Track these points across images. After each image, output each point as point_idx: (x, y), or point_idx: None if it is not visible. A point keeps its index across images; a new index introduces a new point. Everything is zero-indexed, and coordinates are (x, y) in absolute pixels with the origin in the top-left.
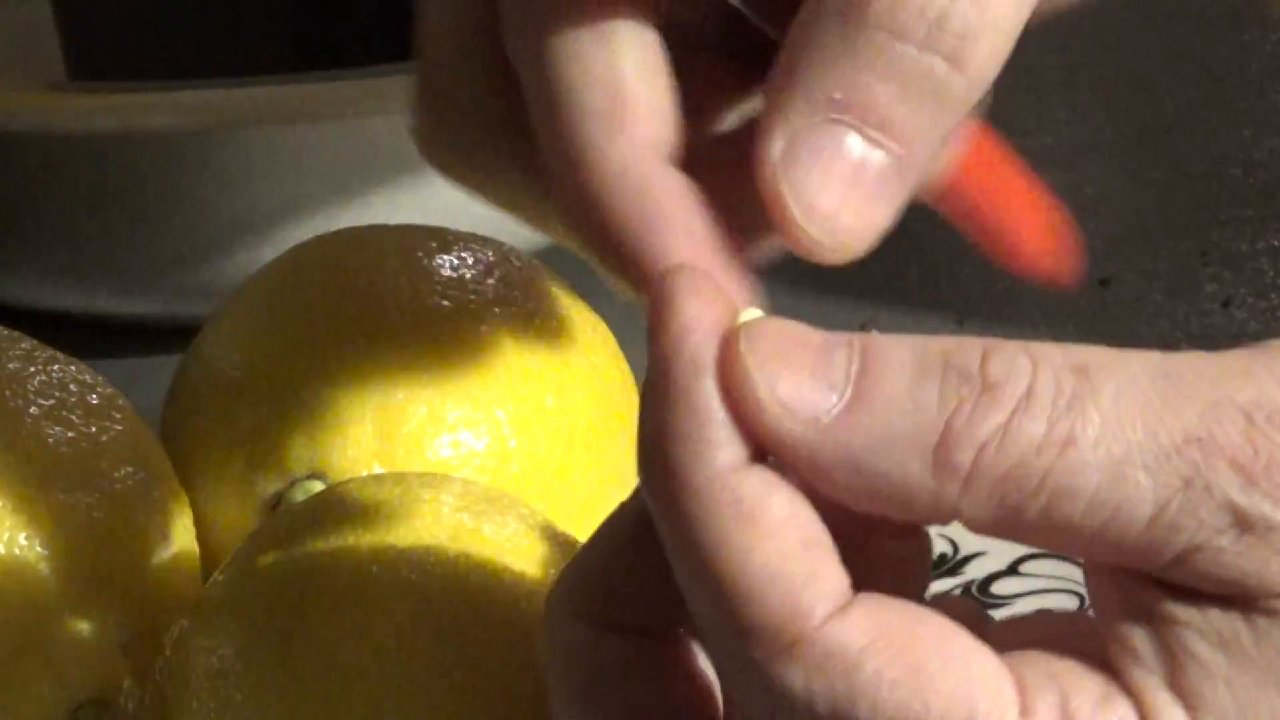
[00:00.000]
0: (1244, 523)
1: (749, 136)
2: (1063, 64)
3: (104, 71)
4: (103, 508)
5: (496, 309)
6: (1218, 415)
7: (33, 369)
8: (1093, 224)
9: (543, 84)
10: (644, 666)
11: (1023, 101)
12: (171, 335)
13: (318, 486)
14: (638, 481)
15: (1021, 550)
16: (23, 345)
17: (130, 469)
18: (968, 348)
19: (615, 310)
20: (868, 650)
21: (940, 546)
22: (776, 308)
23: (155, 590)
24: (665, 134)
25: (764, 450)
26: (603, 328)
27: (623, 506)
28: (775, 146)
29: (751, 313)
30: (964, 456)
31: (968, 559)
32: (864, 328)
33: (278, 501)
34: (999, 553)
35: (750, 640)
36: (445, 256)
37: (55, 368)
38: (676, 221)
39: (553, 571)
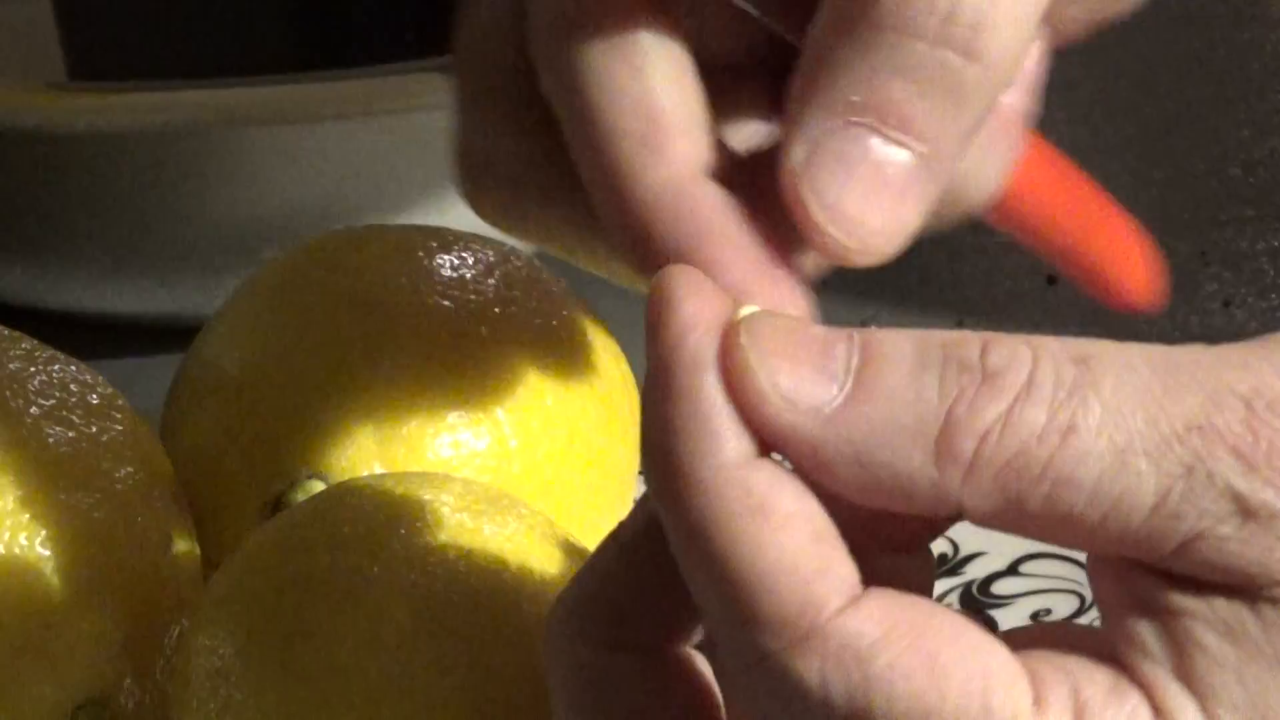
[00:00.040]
0: (1246, 510)
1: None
2: (1063, 64)
3: (104, 71)
4: (103, 508)
5: (497, 309)
6: (1218, 403)
7: (33, 369)
8: None
9: (576, 113)
10: (646, 683)
11: None
12: (171, 335)
13: (318, 487)
14: (637, 494)
15: (1022, 550)
16: (23, 345)
17: (130, 469)
18: (968, 339)
19: (615, 310)
20: (882, 641)
21: (940, 546)
22: None
23: (155, 590)
24: (701, 149)
25: (767, 446)
26: (603, 328)
27: (620, 525)
28: (797, 154)
29: (751, 308)
30: (966, 445)
31: (968, 559)
32: (864, 325)
33: (278, 502)
34: (999, 553)
35: (763, 633)
36: (445, 256)
37: (55, 368)
38: (720, 236)
39: (553, 571)
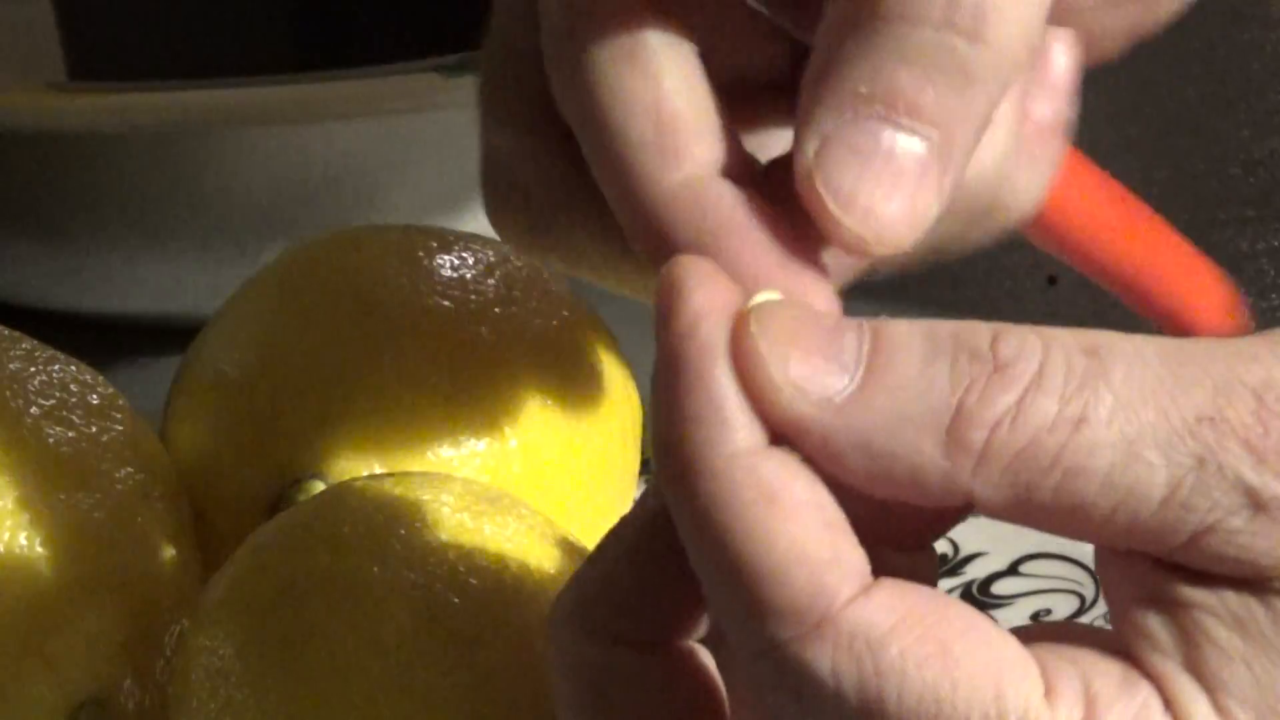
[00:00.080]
0: (1257, 503)
1: None
2: None
3: (104, 71)
4: (103, 508)
5: (497, 309)
6: (1228, 395)
7: (33, 369)
8: None
9: (590, 123)
10: (649, 679)
11: None
12: (171, 335)
13: (318, 487)
14: (637, 494)
15: (1022, 550)
16: (23, 345)
17: (130, 469)
18: (978, 329)
19: (616, 310)
20: (894, 630)
21: (941, 546)
22: None
23: (155, 590)
24: (716, 151)
25: (778, 436)
26: (603, 328)
27: (623, 520)
28: (809, 148)
29: (761, 296)
30: (977, 435)
31: (968, 559)
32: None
33: (278, 502)
34: (999, 553)
35: (774, 623)
36: (445, 256)
37: (56, 368)
38: (735, 232)
39: (553, 571)
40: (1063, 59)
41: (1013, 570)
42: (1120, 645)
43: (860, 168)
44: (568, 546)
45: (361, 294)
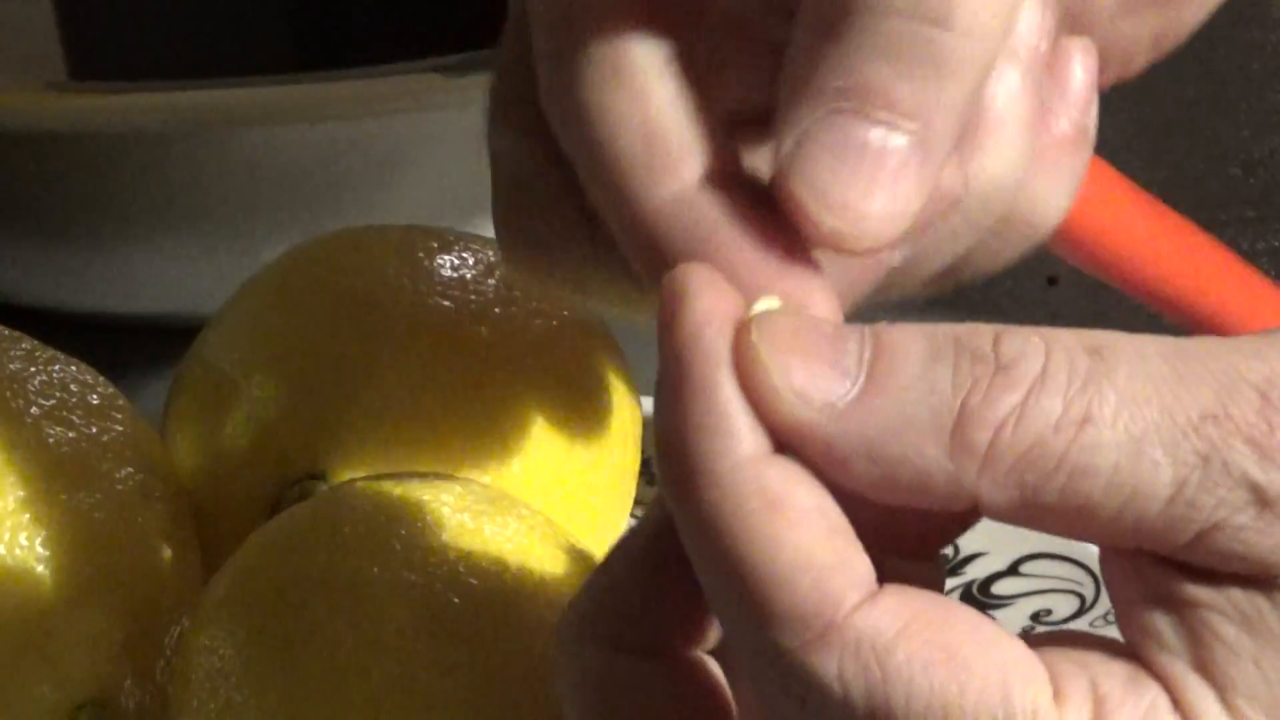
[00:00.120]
0: (1263, 499)
1: None
2: None
3: (104, 71)
4: (103, 508)
5: (497, 309)
6: (1232, 393)
7: (33, 369)
8: None
9: (581, 146)
10: (657, 687)
11: None
12: (171, 335)
13: (318, 487)
14: (637, 495)
15: (1022, 550)
16: (23, 345)
17: (131, 469)
18: (980, 330)
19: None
20: (901, 635)
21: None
22: None
23: (155, 590)
24: (707, 164)
25: (781, 444)
26: (603, 328)
27: (632, 530)
28: (785, 147)
29: (763, 304)
30: (981, 436)
31: (968, 559)
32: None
33: (278, 502)
34: (999, 553)
35: (779, 630)
36: (446, 257)
37: (56, 368)
38: (731, 241)
39: (553, 572)
40: (1080, 69)
41: (1013, 570)
42: (1127, 646)
43: (837, 164)
44: (568, 547)
45: (362, 294)
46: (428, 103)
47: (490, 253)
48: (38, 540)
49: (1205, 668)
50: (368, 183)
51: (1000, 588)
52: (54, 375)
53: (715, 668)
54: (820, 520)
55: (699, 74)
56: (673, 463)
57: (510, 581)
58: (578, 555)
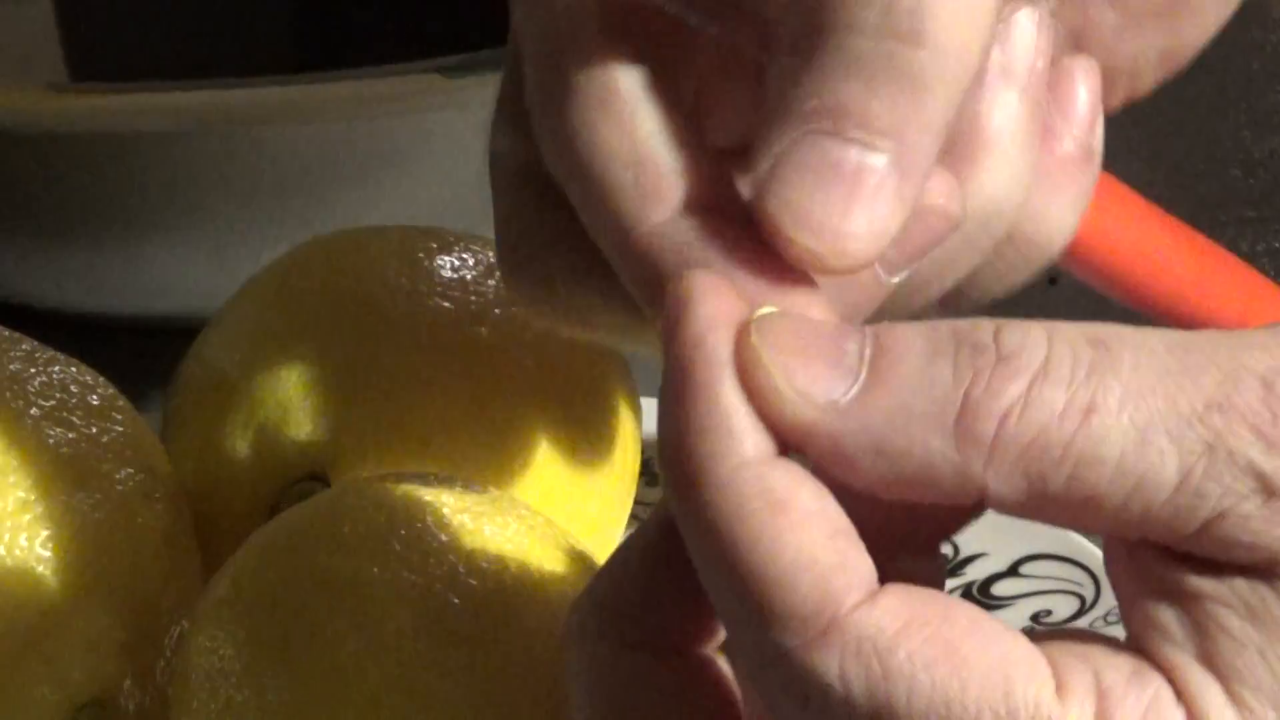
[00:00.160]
0: (1268, 488)
1: None
2: None
3: (104, 71)
4: (103, 508)
5: (497, 310)
6: (1236, 383)
7: (33, 370)
8: None
9: (572, 177)
10: (666, 684)
11: None
12: (171, 335)
13: (318, 487)
14: (638, 495)
15: (1022, 551)
16: (23, 346)
17: (131, 470)
18: (980, 324)
19: None
20: (901, 633)
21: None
22: None
23: (155, 591)
24: (697, 188)
25: (785, 445)
26: None
27: (640, 526)
28: (761, 169)
29: (767, 309)
30: (986, 427)
31: (968, 560)
32: None
33: (278, 502)
34: (999, 554)
35: (781, 630)
36: (446, 257)
37: (56, 369)
38: (726, 255)
39: (553, 572)
40: (1083, 89)
41: (1013, 571)
42: (1131, 640)
43: (812, 184)
44: (568, 547)
45: (361, 295)
46: (428, 103)
47: (490, 253)
48: (38, 541)
49: (1210, 660)
50: (368, 183)
51: (1000, 588)
52: (54, 376)
53: (724, 665)
54: (822, 521)
55: (691, 103)
56: (675, 465)
57: (510, 582)
58: (578, 556)
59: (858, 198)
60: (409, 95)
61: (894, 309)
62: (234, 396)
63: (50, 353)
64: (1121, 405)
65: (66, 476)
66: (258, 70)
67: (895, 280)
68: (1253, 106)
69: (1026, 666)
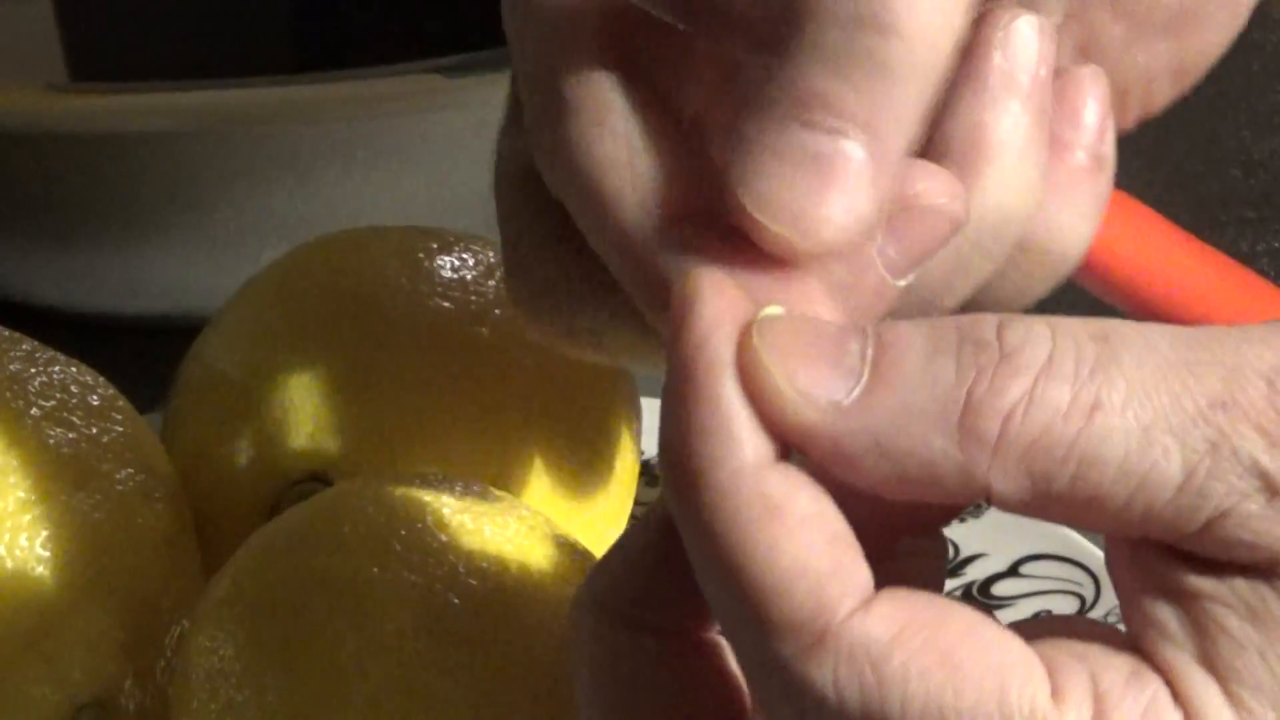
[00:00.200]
0: (1272, 487)
1: None
2: None
3: (104, 72)
4: (103, 509)
5: (498, 310)
6: (1240, 381)
7: (34, 370)
8: None
9: (574, 194)
10: (670, 666)
11: None
12: (171, 335)
13: (318, 487)
14: (638, 494)
15: (1022, 551)
16: (23, 346)
17: (131, 470)
18: (982, 319)
19: None
20: (895, 641)
21: None
22: None
23: (155, 591)
24: (696, 194)
25: (788, 448)
26: None
27: (648, 511)
28: (732, 158)
29: (769, 310)
30: (990, 425)
31: (969, 560)
32: None
33: (278, 502)
34: (999, 554)
35: (776, 637)
36: (446, 257)
37: (56, 369)
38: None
39: (554, 572)
40: (1091, 97)
41: (1013, 571)
42: (1130, 639)
43: (784, 171)
44: (568, 547)
45: (362, 295)
46: (428, 103)
47: (490, 253)
48: (38, 541)
49: (1209, 660)
50: (368, 182)
51: (1000, 589)
52: (54, 376)
53: (728, 649)
54: (819, 527)
55: (691, 110)
56: (675, 468)
57: (510, 582)
58: (578, 556)
59: (830, 184)
60: (409, 95)
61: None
62: (234, 396)
63: (50, 353)
64: (1126, 403)
65: (66, 476)
66: (258, 70)
67: (902, 283)
68: (1253, 106)
69: (1022, 671)
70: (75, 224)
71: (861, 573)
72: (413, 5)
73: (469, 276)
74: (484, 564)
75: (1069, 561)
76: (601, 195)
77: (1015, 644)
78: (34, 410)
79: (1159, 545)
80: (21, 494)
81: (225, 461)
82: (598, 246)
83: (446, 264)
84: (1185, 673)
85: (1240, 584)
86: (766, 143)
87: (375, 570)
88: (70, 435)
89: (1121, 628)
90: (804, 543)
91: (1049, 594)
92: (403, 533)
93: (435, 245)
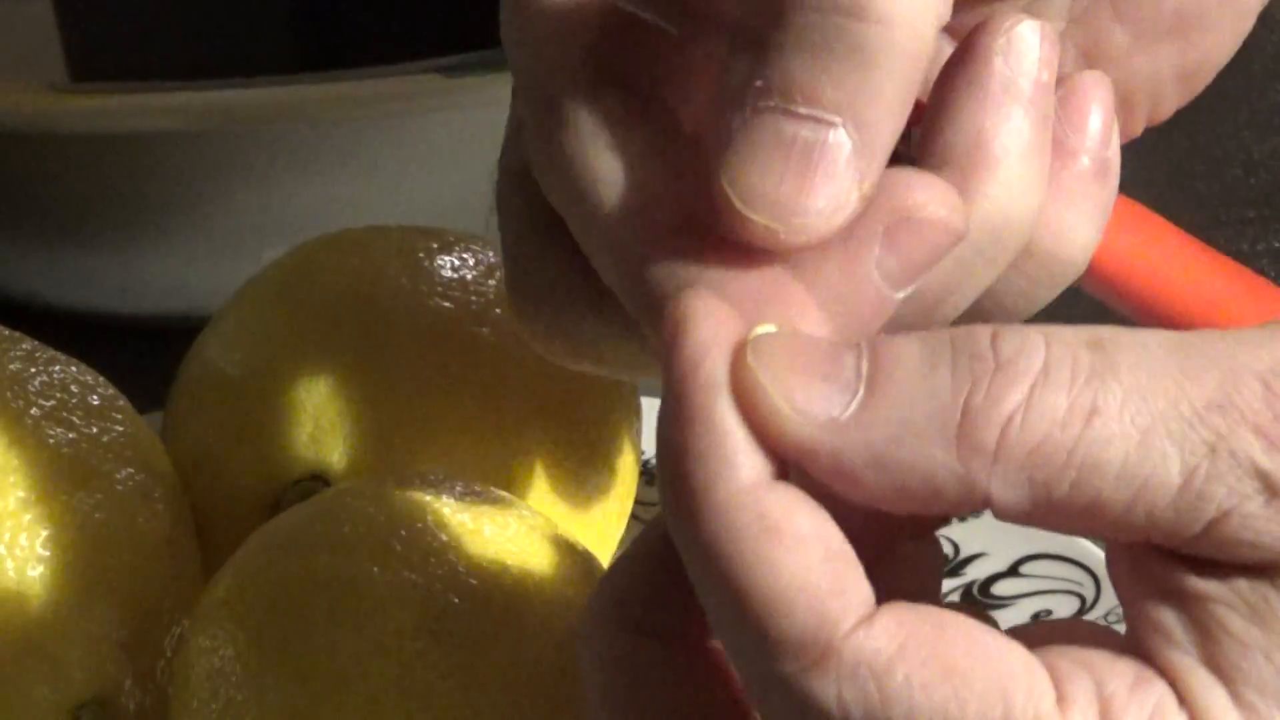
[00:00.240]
0: (1271, 487)
1: None
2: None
3: (104, 71)
4: (104, 508)
5: (498, 310)
6: (1236, 383)
7: (34, 370)
8: None
9: (566, 201)
10: (680, 672)
11: None
12: (171, 335)
13: (318, 487)
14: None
15: (1022, 551)
16: (24, 346)
17: (131, 469)
18: (976, 330)
19: None
20: (898, 656)
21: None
22: None
23: (155, 591)
24: (691, 202)
25: (786, 466)
26: None
27: (655, 521)
28: (712, 149)
29: (762, 329)
30: (988, 435)
31: (969, 560)
32: None
33: (278, 502)
34: (1000, 553)
35: (778, 655)
36: (446, 257)
37: (56, 368)
38: (724, 278)
39: (554, 572)
40: (1094, 102)
41: (1013, 571)
42: (1134, 642)
43: (764, 160)
44: (568, 547)
45: (362, 294)
46: (428, 103)
47: (491, 253)
48: (38, 540)
49: (1213, 662)
50: (368, 182)
51: (1000, 588)
52: (54, 376)
53: None
54: (818, 545)
55: (691, 122)
56: (672, 490)
57: (510, 582)
58: (578, 555)
59: (811, 173)
60: (409, 95)
61: (915, 328)
62: (234, 396)
63: (51, 352)
64: (1123, 408)
65: (67, 476)
66: (258, 70)
67: (900, 295)
68: (1253, 106)
69: (1026, 680)
70: (75, 224)
71: (862, 588)
72: (413, 5)
73: (469, 276)
74: (484, 564)
75: (1069, 561)
76: (596, 208)
77: (1018, 652)
78: (34, 410)
79: (1160, 549)
80: (21, 494)
81: (225, 461)
82: (593, 258)
83: (447, 264)
84: (1190, 675)
85: (1242, 584)
86: (749, 133)
87: (375, 570)
88: (70, 435)
89: (1122, 629)
90: (804, 560)
91: (1049, 594)
92: (403, 533)
93: (435, 245)
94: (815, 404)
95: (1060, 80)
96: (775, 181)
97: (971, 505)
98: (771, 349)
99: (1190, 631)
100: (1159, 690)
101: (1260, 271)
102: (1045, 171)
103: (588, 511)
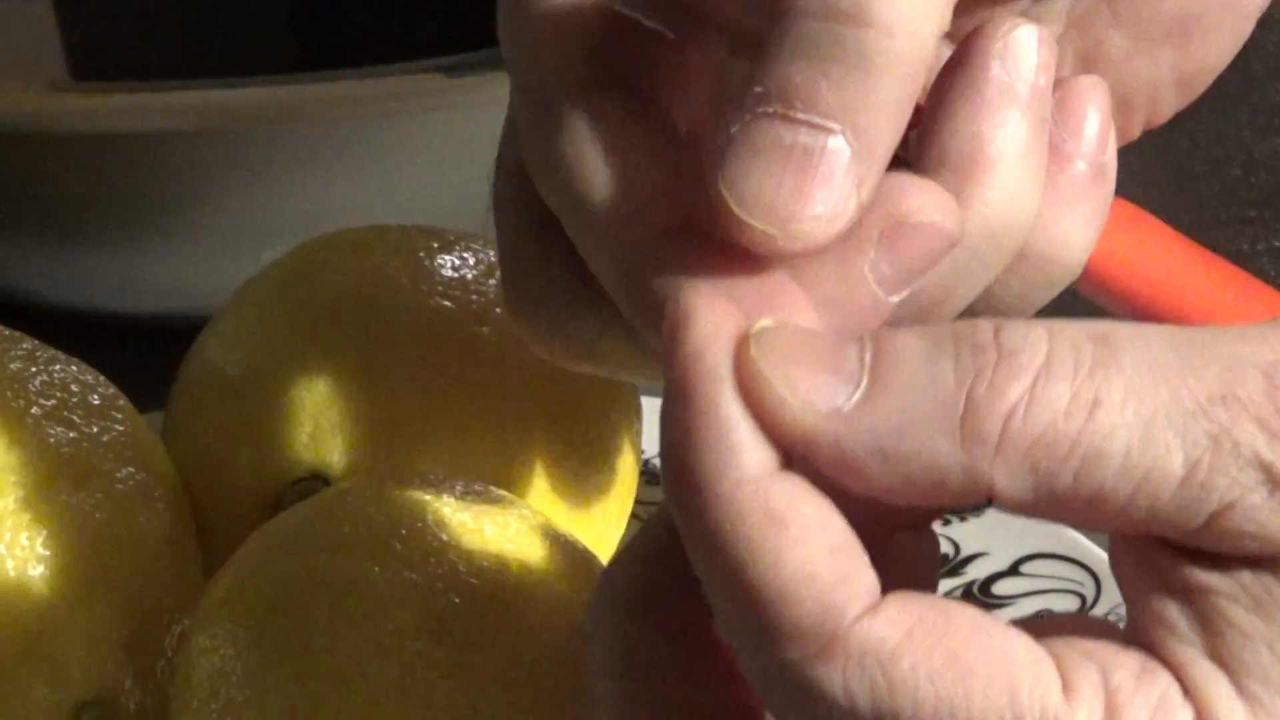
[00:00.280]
0: (1274, 479)
1: None
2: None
3: (104, 71)
4: (104, 508)
5: (498, 310)
6: (1238, 376)
7: (34, 369)
8: None
9: (563, 202)
10: (687, 660)
11: None
12: (171, 335)
13: (318, 487)
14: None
15: (1022, 550)
16: (24, 345)
17: (131, 469)
18: (979, 324)
19: None
20: (904, 644)
21: (941, 547)
22: None
23: (156, 590)
24: (686, 203)
25: (789, 457)
26: None
27: (664, 506)
28: (711, 154)
29: (763, 323)
30: (992, 425)
31: (969, 559)
32: None
33: (278, 502)
34: (1000, 553)
35: (784, 644)
36: (446, 257)
37: (56, 368)
38: (720, 278)
39: (554, 571)
40: (1091, 106)
41: (1013, 570)
42: (1138, 636)
43: (763, 166)
44: (569, 546)
45: (362, 294)
46: (428, 103)
47: (490, 253)
48: (38, 540)
49: (1218, 654)
50: (368, 183)
51: (1001, 588)
52: (55, 375)
53: None
54: (823, 535)
55: (689, 124)
56: (677, 482)
57: (510, 582)
58: (578, 555)
59: (809, 179)
60: (409, 95)
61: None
62: (234, 396)
63: (51, 352)
64: (1126, 400)
65: (67, 476)
66: (258, 70)
67: (895, 299)
68: (1253, 106)
69: (1032, 669)
70: (75, 224)
71: (868, 577)
72: (413, 5)
73: (469, 276)
74: (485, 563)
75: (1069, 560)
76: (593, 210)
77: (1024, 643)
78: (34, 409)
79: (1163, 542)
80: (22, 493)
81: (225, 461)
82: (589, 260)
83: (447, 263)
84: (1194, 667)
85: (1245, 576)
86: (747, 138)
87: (375, 570)
88: (71, 434)
89: (1123, 627)
90: (809, 550)
91: (1049, 593)
92: (403, 532)
93: (436, 245)
94: (819, 395)
95: (1057, 84)
96: (773, 187)
97: (974, 496)
98: (774, 341)
99: (1194, 624)
100: (1164, 681)
101: (1260, 271)
102: (1042, 175)
103: (588, 511)
